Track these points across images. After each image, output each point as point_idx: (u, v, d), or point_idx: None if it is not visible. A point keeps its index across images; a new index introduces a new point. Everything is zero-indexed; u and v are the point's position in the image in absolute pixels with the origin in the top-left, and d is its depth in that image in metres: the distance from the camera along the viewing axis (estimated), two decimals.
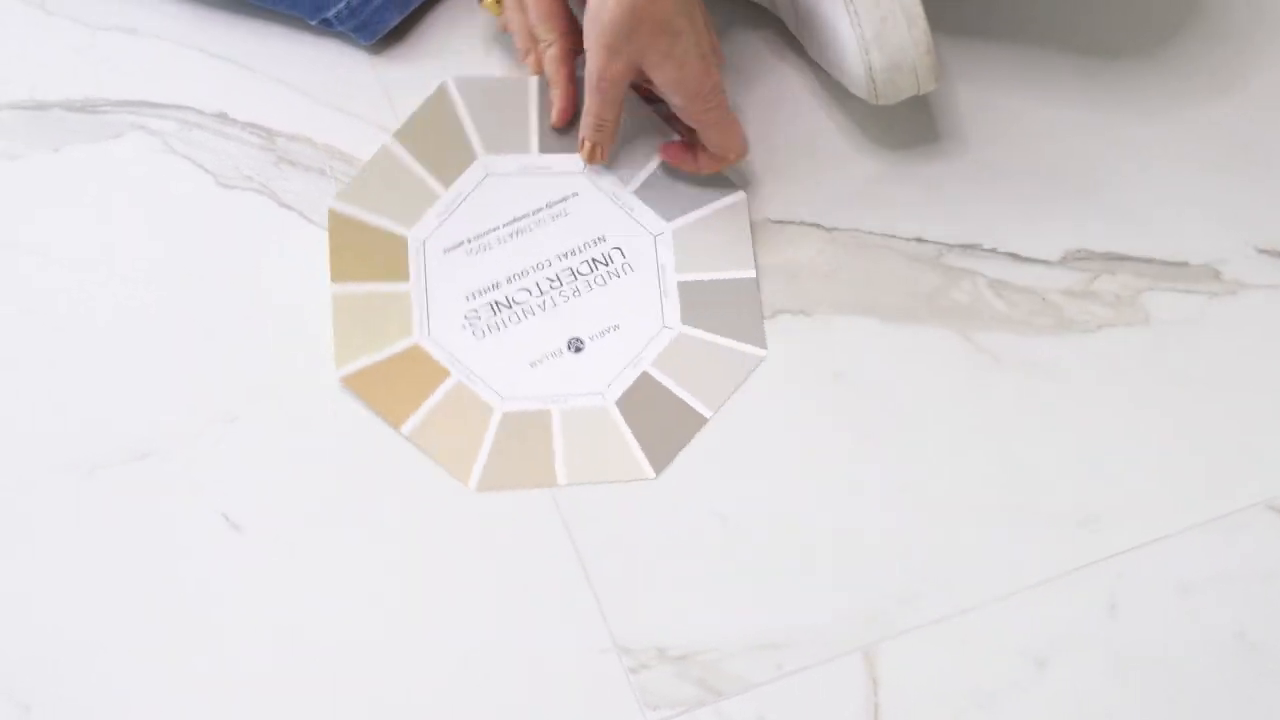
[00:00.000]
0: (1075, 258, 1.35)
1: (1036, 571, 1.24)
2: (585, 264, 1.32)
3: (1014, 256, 1.34)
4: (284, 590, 1.22)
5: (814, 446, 1.28)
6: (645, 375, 1.30)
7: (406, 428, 1.27)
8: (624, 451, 1.27)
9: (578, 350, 1.30)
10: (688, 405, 1.29)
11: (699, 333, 1.31)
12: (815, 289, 1.32)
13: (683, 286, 1.32)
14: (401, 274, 1.31)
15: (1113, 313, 1.33)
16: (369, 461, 1.26)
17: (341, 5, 1.36)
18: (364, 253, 1.31)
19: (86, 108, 1.36)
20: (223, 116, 1.36)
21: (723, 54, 1.33)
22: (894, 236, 1.35)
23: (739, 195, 1.35)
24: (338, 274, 1.30)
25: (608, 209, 1.34)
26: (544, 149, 1.35)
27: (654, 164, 1.35)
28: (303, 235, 1.31)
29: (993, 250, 1.35)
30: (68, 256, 1.31)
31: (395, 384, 1.28)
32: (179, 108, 1.36)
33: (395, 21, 1.38)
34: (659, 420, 1.28)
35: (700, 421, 1.28)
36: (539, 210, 1.33)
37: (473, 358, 1.29)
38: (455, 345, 1.29)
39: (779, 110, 1.38)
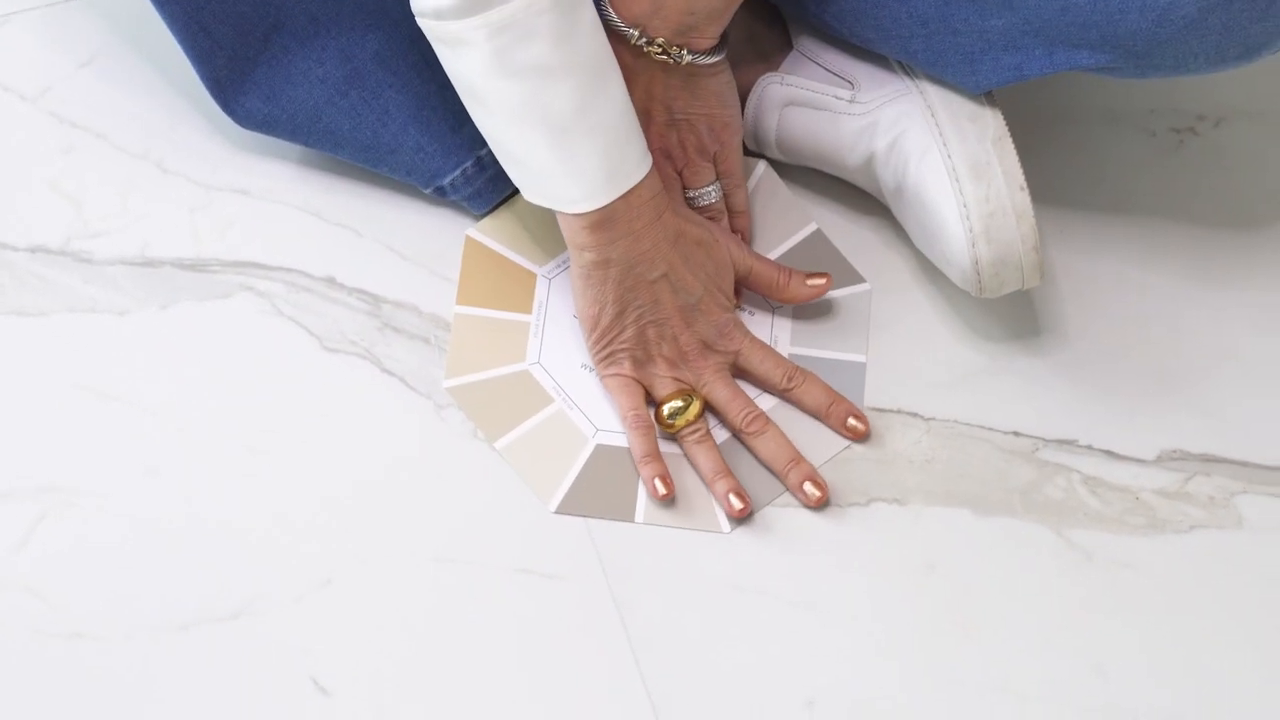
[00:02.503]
0: (1171, 457, 1.35)
1: None
2: None
3: (1109, 454, 1.34)
4: None
5: (903, 636, 1.27)
6: (793, 356, 1.36)
7: (501, 443, 1.31)
8: (704, 503, 1.31)
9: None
10: (841, 361, 1.36)
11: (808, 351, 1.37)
12: (910, 478, 1.33)
13: (794, 359, 1.36)
14: (525, 306, 1.36)
15: (1206, 514, 1.33)
16: (458, 632, 1.26)
17: (456, 173, 1.38)
18: (493, 280, 1.37)
19: (197, 267, 1.38)
20: (330, 281, 1.38)
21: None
22: (990, 429, 1.35)
23: (865, 286, 1.39)
24: (464, 298, 1.36)
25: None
26: None
27: (792, 241, 1.40)
28: (404, 402, 1.32)
29: (1088, 447, 1.35)
30: (170, 414, 1.32)
31: (499, 402, 1.32)
32: (288, 270, 1.38)
33: (508, 192, 1.39)
34: (750, 475, 1.32)
35: (862, 368, 1.35)
36: None
37: (578, 391, 1.34)
38: (564, 377, 1.34)
39: (882, 298, 1.39)
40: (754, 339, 1.33)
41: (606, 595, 1.27)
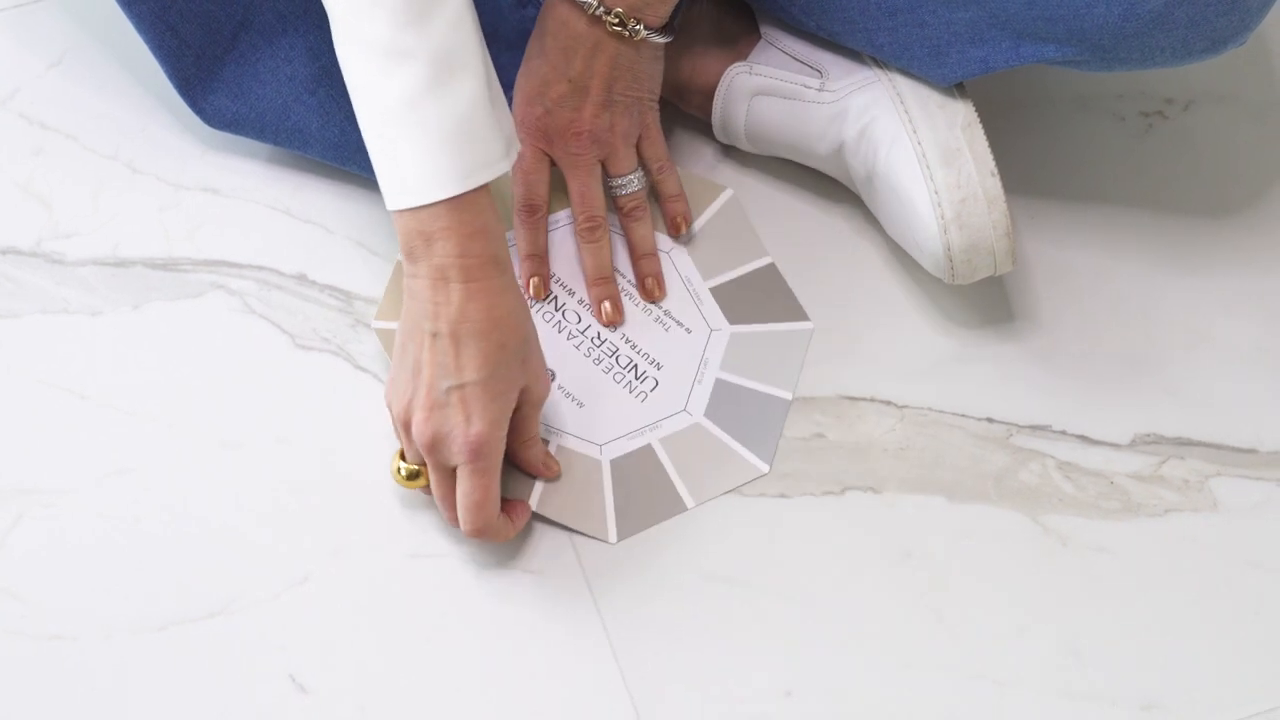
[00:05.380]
0: (1144, 441, 1.35)
1: None
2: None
3: (1083, 439, 1.35)
4: None
5: (880, 624, 1.28)
6: (719, 382, 1.34)
7: (531, 501, 1.29)
8: (731, 458, 1.32)
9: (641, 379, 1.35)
10: (769, 395, 1.34)
11: (752, 327, 1.37)
12: (884, 466, 1.33)
13: (733, 337, 1.37)
14: None
15: (1180, 498, 1.33)
16: (437, 628, 1.26)
17: None
18: None
19: (168, 266, 1.38)
20: (302, 278, 1.38)
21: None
22: (964, 416, 1.35)
23: (807, 326, 1.38)
24: (385, 314, 1.34)
25: (676, 290, 1.38)
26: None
27: (741, 270, 1.39)
28: (377, 398, 1.32)
29: (1062, 432, 1.35)
30: (144, 413, 1.32)
31: (506, 472, 1.28)
32: (259, 268, 1.38)
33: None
34: (747, 418, 1.33)
35: (784, 405, 1.33)
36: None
37: (563, 418, 1.32)
38: (548, 416, 1.32)
39: (854, 287, 1.39)
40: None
41: (584, 589, 1.28)
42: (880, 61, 1.35)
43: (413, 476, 1.25)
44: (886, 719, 1.24)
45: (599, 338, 1.35)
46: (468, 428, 1.20)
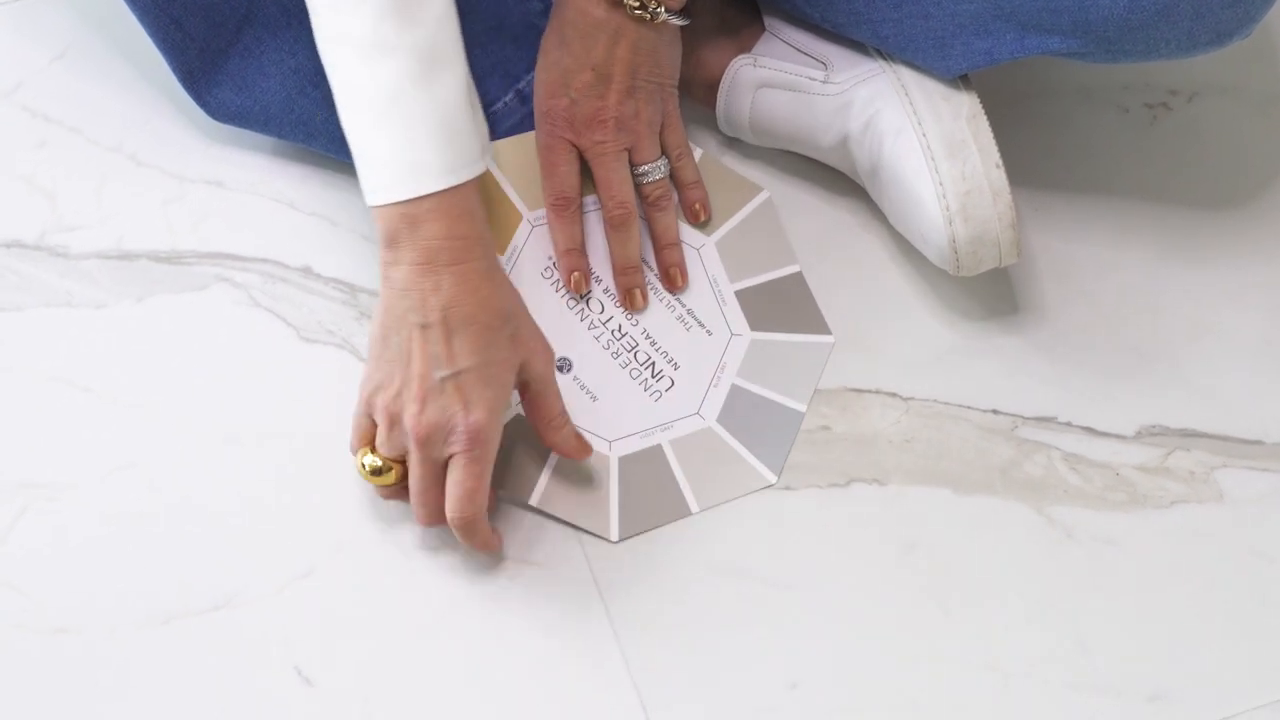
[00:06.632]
0: (1150, 433, 1.35)
1: None
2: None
3: (1089, 431, 1.35)
4: None
5: (885, 616, 1.27)
6: (735, 388, 1.33)
7: (535, 497, 1.29)
8: (740, 464, 1.31)
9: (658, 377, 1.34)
10: (784, 406, 1.33)
11: (771, 335, 1.36)
12: (890, 458, 1.33)
13: (743, 297, 1.37)
14: (500, 246, 1.34)
15: (1186, 489, 1.33)
16: (441, 620, 1.26)
17: None
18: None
19: (172, 259, 1.37)
20: (307, 271, 1.38)
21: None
22: (970, 408, 1.35)
23: (828, 340, 1.37)
24: None
25: (701, 288, 1.37)
26: None
27: (767, 276, 1.38)
28: None
29: (1068, 424, 1.35)
30: (148, 407, 1.32)
31: (507, 463, 1.29)
32: (263, 261, 1.38)
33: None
34: (762, 426, 1.33)
35: (798, 417, 1.33)
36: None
37: (575, 409, 1.30)
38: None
39: (859, 279, 1.39)
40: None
41: (589, 582, 1.27)
42: (885, 53, 1.35)
43: (378, 472, 1.24)
44: (892, 710, 1.24)
45: (620, 330, 1.35)
46: (468, 416, 1.19)
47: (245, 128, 1.39)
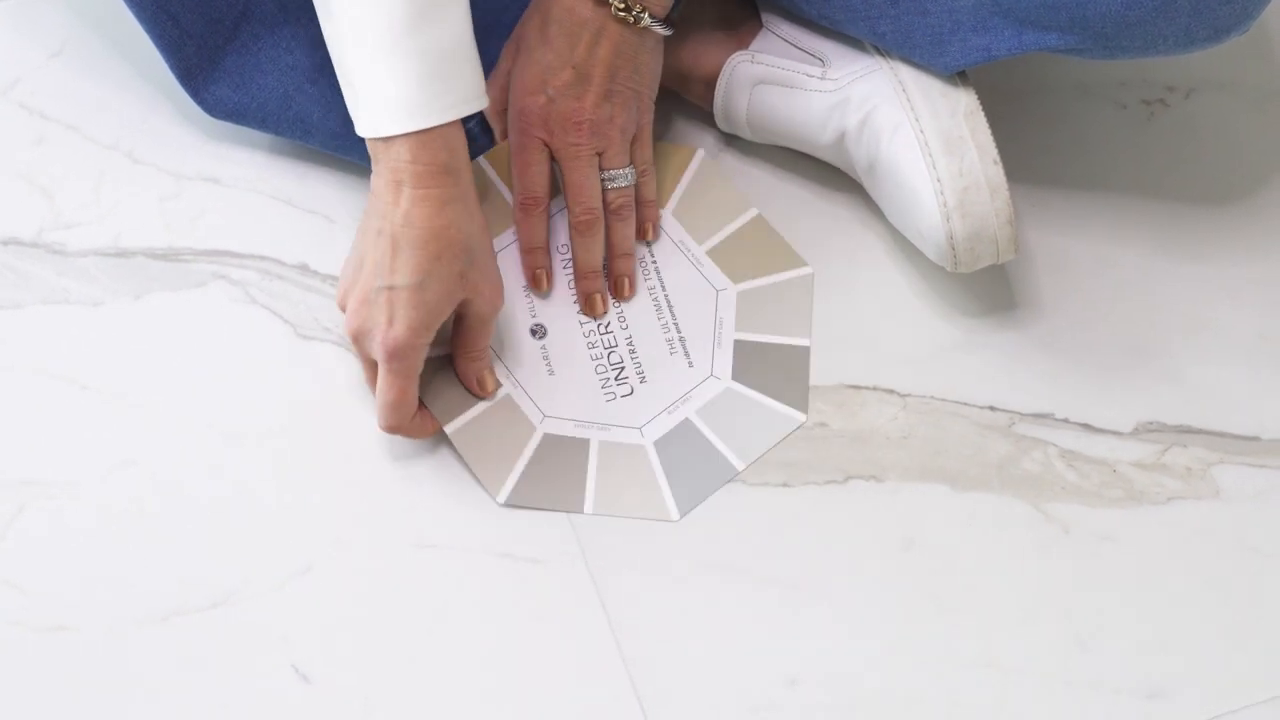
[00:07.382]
0: (1147, 429, 1.35)
1: None
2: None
3: (1086, 427, 1.35)
4: None
5: (883, 613, 1.27)
6: (687, 421, 1.33)
7: (451, 427, 1.30)
8: (653, 491, 1.30)
9: (620, 380, 1.34)
10: (723, 456, 1.32)
11: (746, 390, 1.34)
12: (887, 455, 1.33)
13: (738, 344, 1.35)
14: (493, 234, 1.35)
15: (1183, 486, 1.33)
16: (439, 617, 1.26)
17: None
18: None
19: (169, 256, 1.37)
20: (304, 268, 1.38)
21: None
22: (967, 404, 1.35)
23: (806, 270, 1.38)
24: None
25: (676, 259, 1.38)
26: None
27: (731, 227, 1.39)
28: None
29: (1065, 420, 1.35)
30: (146, 404, 1.32)
31: (447, 387, 1.31)
32: (261, 258, 1.38)
33: None
34: (692, 466, 1.31)
35: (731, 473, 1.31)
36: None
37: (525, 370, 1.33)
38: (512, 350, 1.33)
39: (856, 275, 1.39)
40: None
41: (586, 579, 1.28)
42: (882, 50, 1.35)
43: None
44: (890, 707, 1.24)
45: (606, 327, 1.35)
46: (388, 329, 1.22)
47: (242, 124, 1.38)
